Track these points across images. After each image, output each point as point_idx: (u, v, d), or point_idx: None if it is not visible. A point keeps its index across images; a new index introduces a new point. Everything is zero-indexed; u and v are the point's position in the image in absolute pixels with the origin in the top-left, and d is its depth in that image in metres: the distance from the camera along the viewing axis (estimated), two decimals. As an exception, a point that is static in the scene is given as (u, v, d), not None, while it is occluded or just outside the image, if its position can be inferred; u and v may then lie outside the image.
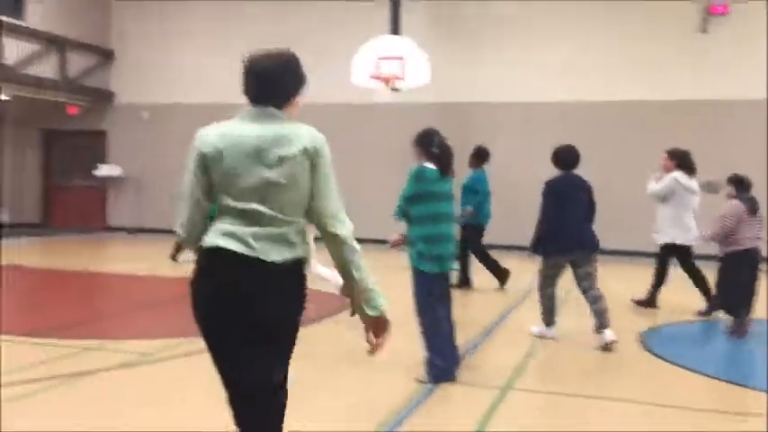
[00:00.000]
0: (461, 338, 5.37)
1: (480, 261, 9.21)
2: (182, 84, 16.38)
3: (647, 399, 4.81)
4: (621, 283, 9.30)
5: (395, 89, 12.55)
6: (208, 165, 2.56)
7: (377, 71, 12.28)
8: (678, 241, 7.85)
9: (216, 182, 2.57)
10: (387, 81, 12.40)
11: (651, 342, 6.41)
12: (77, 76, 16.10)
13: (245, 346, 2.53)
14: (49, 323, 6.57)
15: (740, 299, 6.73)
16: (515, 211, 11.94)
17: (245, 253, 2.47)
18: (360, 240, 2.65)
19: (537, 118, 14.11)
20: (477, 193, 8.93)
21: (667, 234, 7.90)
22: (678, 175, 7.86)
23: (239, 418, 2.61)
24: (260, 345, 2.53)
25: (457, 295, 8.65)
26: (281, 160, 2.52)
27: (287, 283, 2.55)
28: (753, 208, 6.89)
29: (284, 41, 12.45)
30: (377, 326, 2.61)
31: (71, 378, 4.84)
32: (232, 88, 14.73)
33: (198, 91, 16.08)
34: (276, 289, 2.51)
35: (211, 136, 2.60)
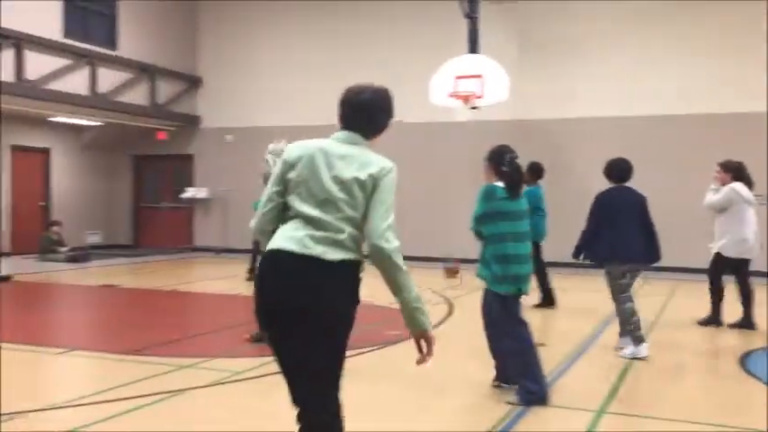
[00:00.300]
0: (551, 359, 5.30)
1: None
2: (263, 107, 16.87)
3: (746, 424, 4.62)
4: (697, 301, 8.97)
5: (473, 107, 12.58)
6: (286, 171, 2.87)
7: (455, 90, 12.36)
8: (730, 254, 7.69)
9: (289, 187, 2.86)
10: (465, 99, 12.45)
11: (751, 364, 6.15)
12: (166, 103, 16.79)
13: (300, 337, 2.74)
14: (145, 342, 6.83)
15: None
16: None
17: (302, 252, 2.72)
18: (442, 260, 2.70)
19: (616, 132, 13.85)
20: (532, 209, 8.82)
21: (722, 246, 7.74)
22: (737, 185, 7.75)
23: (298, 404, 2.81)
24: (313, 337, 2.74)
25: (541, 314, 8.76)
26: (347, 180, 2.80)
27: (340, 279, 2.76)
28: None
29: (363, 64, 12.89)
30: (423, 340, 2.82)
31: (169, 395, 5.02)
32: (309, 111, 15.33)
33: (278, 114, 16.54)
34: (330, 284, 2.73)
35: (296, 147, 2.93)
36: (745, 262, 7.74)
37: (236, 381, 5.46)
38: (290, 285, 2.73)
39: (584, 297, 9.62)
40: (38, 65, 13.55)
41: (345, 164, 2.83)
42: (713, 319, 7.83)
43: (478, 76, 12.33)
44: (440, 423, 4.65)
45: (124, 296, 10.38)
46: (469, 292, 9.67)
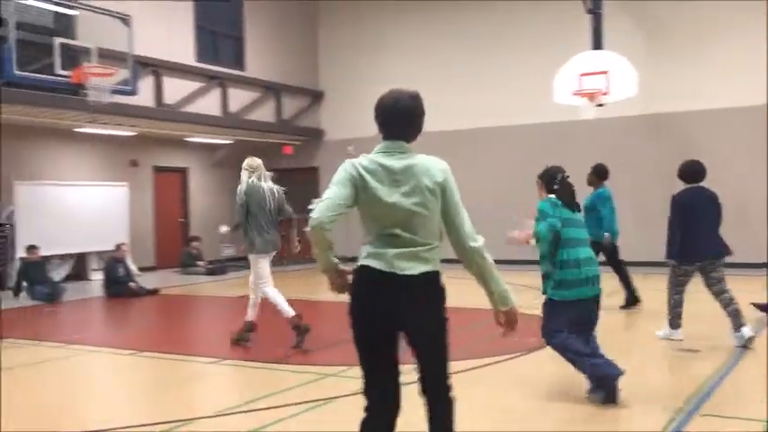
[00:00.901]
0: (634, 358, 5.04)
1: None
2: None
3: None
4: None
5: (600, 104, 12.21)
6: (356, 185, 3.01)
7: (580, 87, 12.04)
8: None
9: (362, 208, 3.04)
10: (591, 97, 12.10)
11: None
12: (291, 118, 17.37)
13: (386, 346, 3.07)
14: (285, 351, 7.06)
15: None
16: (746, 228, 11.06)
17: (385, 269, 2.95)
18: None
19: (753, 124, 13.04)
20: (598, 212, 8.70)
21: None
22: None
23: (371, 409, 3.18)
24: (396, 346, 3.07)
25: (624, 315, 8.54)
26: (416, 190, 2.98)
27: (423, 292, 3.00)
28: None
29: (484, 66, 12.79)
30: (510, 317, 3.13)
31: (317, 404, 5.16)
32: (426, 117, 14.89)
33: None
34: (413, 297, 2.97)
35: (361, 166, 3.05)
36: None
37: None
38: (375, 305, 3.01)
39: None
40: (174, 89, 14.38)
41: (407, 175, 2.99)
42: None
43: (604, 72, 11.96)
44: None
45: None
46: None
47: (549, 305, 5.10)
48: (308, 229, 3.05)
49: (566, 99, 12.28)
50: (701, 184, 6.81)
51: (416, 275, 2.94)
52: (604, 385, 4.85)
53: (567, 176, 5.26)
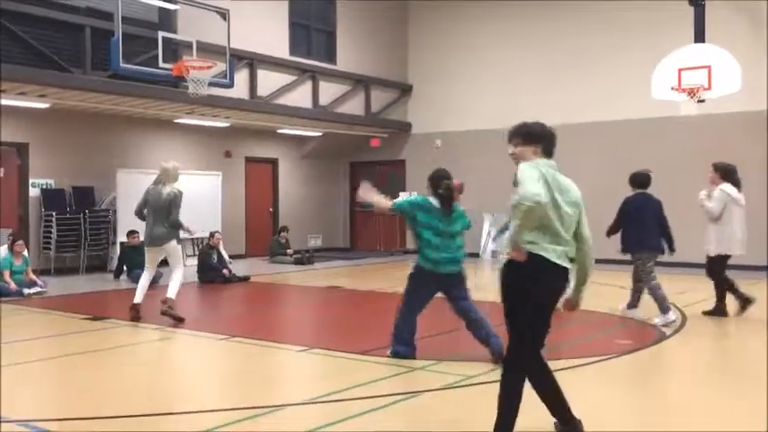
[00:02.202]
0: None
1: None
2: (469, 112, 17.08)
3: None
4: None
5: (700, 100, 11.73)
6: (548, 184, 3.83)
7: (678, 83, 11.60)
8: (723, 252, 8.28)
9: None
10: (691, 93, 11.64)
11: None
12: (379, 111, 17.48)
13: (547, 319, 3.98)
14: (374, 342, 7.12)
15: None
16: None
17: (558, 262, 3.87)
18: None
19: None
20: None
21: (717, 246, 8.28)
22: (726, 186, 8.30)
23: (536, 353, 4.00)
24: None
25: None
26: (575, 202, 3.96)
27: (566, 279, 3.98)
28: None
29: (579, 61, 12.53)
30: (576, 303, 4.14)
31: (405, 397, 5.18)
32: (517, 113, 15.12)
33: (484, 118, 16.75)
34: (563, 287, 4.00)
35: (546, 173, 3.89)
36: (727, 258, 8.36)
37: (469, 385, 5.51)
38: (553, 286, 3.95)
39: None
40: (267, 82, 14.72)
41: (568, 189, 3.94)
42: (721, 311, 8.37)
43: (706, 67, 11.48)
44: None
45: (348, 297, 10.92)
46: (703, 300, 9.02)
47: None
48: (521, 203, 3.68)
49: (664, 95, 11.86)
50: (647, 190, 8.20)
51: (568, 270, 3.93)
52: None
53: (450, 183, 6.29)
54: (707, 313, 8.47)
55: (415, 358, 6.23)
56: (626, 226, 8.15)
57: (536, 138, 4.05)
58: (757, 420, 4.42)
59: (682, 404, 4.98)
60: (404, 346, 6.33)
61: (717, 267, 8.40)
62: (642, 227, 8.04)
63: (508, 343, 4.05)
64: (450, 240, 6.24)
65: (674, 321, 7.82)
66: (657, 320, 7.84)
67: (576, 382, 5.75)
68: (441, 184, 6.30)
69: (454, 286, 6.32)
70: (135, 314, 8.39)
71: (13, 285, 10.41)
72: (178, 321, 8.13)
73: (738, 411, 4.81)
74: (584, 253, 3.98)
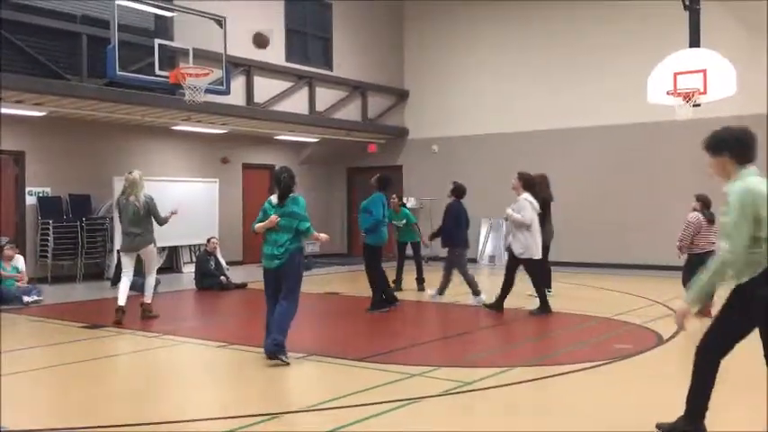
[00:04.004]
0: None
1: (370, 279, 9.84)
2: (466, 117, 17.14)
3: None
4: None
5: (696, 105, 11.75)
6: (758, 212, 3.81)
7: (674, 87, 11.62)
8: (527, 255, 9.06)
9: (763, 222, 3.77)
10: (686, 97, 11.66)
11: None
12: (376, 117, 17.51)
13: None
14: (372, 349, 7.14)
15: None
16: None
17: None
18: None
19: None
20: (370, 215, 9.76)
21: (532, 250, 9.08)
22: (527, 195, 9.17)
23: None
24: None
25: None
26: None
27: None
28: (711, 220, 8.78)
29: (576, 66, 12.51)
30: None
31: (404, 404, 5.17)
32: (514, 118, 15.17)
33: (480, 123, 16.82)
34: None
35: (759, 193, 3.85)
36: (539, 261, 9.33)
37: (467, 391, 5.50)
38: None
39: None
40: (264, 88, 14.74)
41: None
42: (499, 306, 9.36)
43: (701, 71, 11.50)
44: None
45: (346, 303, 10.92)
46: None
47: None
48: (724, 258, 3.80)
49: (660, 99, 11.88)
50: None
51: None
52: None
53: (285, 176, 6.73)
54: (488, 307, 9.51)
55: None
56: (448, 227, 10.23)
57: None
58: (756, 421, 4.42)
59: (682, 405, 4.97)
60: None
61: (537, 269, 9.31)
62: (460, 227, 10.14)
63: None
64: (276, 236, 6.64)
65: (484, 302, 9.65)
66: (471, 301, 9.88)
67: (577, 385, 5.76)
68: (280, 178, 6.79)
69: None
70: (120, 316, 8.80)
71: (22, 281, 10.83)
72: (154, 318, 9.07)
73: (738, 412, 4.81)
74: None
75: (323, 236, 7.06)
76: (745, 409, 4.93)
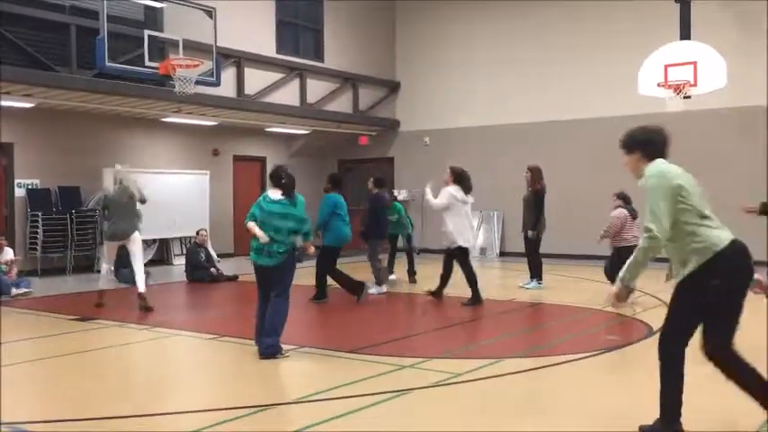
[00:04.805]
0: None
1: (333, 278, 10.02)
2: (458, 109, 17.14)
3: None
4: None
5: (686, 97, 11.78)
6: (679, 191, 3.83)
7: (665, 79, 11.65)
8: (460, 244, 9.40)
9: (689, 202, 3.84)
10: (677, 89, 11.69)
11: None
12: (368, 109, 17.47)
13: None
14: (364, 341, 7.14)
15: None
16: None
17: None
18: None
19: None
20: (324, 215, 9.96)
21: (452, 239, 9.41)
22: (452, 188, 9.48)
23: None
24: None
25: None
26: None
27: None
28: (634, 215, 9.56)
29: (567, 59, 12.48)
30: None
31: (395, 395, 5.18)
32: (505, 111, 15.13)
33: (472, 115, 16.82)
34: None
35: (674, 173, 3.90)
36: (468, 249, 9.58)
37: (457, 382, 5.52)
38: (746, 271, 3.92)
39: None
40: (255, 80, 14.67)
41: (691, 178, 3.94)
42: (439, 294, 9.81)
43: (692, 63, 11.53)
44: None
45: (336, 295, 10.89)
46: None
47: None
48: (646, 243, 3.84)
49: (651, 91, 11.91)
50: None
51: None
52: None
53: (286, 175, 6.59)
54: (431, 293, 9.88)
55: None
56: (366, 219, 10.88)
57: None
58: (747, 412, 4.44)
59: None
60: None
61: (461, 258, 9.58)
62: (378, 219, 10.69)
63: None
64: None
65: (385, 292, 10.40)
66: (372, 290, 10.16)
67: (567, 376, 5.78)
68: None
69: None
70: (100, 300, 9.34)
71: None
72: (150, 310, 9.12)
73: (728, 402, 4.84)
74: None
75: (311, 249, 7.16)
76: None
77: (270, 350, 6.34)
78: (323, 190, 10.53)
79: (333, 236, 9.93)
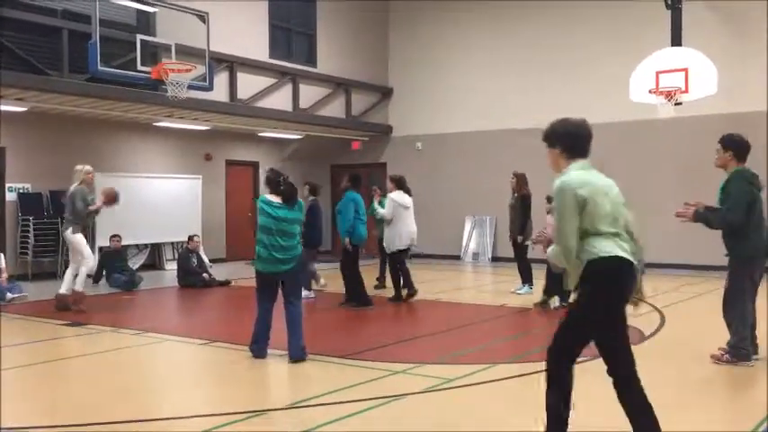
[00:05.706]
0: None
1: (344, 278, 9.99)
2: (450, 114, 17.19)
3: None
4: None
5: (677, 103, 11.86)
6: (583, 205, 3.61)
7: (656, 86, 11.72)
8: (399, 247, 10.10)
9: (588, 215, 3.62)
10: (668, 95, 11.76)
11: None
12: (360, 114, 17.49)
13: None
14: (355, 346, 7.14)
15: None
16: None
17: (628, 258, 3.63)
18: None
19: None
20: (350, 215, 9.86)
21: (395, 243, 10.10)
22: (395, 195, 10.17)
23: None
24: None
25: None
26: (621, 199, 3.77)
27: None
28: None
29: (559, 65, 12.56)
30: None
31: (388, 400, 5.18)
32: (497, 116, 15.12)
33: (464, 120, 16.89)
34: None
35: (578, 183, 3.65)
36: (406, 251, 10.41)
37: (449, 388, 5.53)
38: (625, 284, 3.69)
39: None
40: (247, 85, 14.67)
41: (611, 187, 3.77)
42: (398, 297, 10.27)
43: (683, 70, 11.61)
44: None
45: (329, 300, 10.88)
46: (689, 299, 9.11)
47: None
48: (555, 257, 3.76)
49: (642, 97, 11.98)
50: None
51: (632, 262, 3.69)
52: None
53: (287, 178, 6.60)
54: (391, 300, 10.24)
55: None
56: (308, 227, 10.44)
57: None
58: (744, 414, 4.47)
59: (658, 399, 5.02)
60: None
61: (396, 260, 10.21)
62: (314, 227, 10.42)
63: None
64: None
65: (314, 298, 10.35)
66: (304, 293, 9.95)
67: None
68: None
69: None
70: (62, 305, 9.26)
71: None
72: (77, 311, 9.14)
73: (724, 405, 4.87)
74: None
75: None
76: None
77: (303, 352, 6.44)
78: (341, 189, 10.39)
79: (357, 236, 9.88)
